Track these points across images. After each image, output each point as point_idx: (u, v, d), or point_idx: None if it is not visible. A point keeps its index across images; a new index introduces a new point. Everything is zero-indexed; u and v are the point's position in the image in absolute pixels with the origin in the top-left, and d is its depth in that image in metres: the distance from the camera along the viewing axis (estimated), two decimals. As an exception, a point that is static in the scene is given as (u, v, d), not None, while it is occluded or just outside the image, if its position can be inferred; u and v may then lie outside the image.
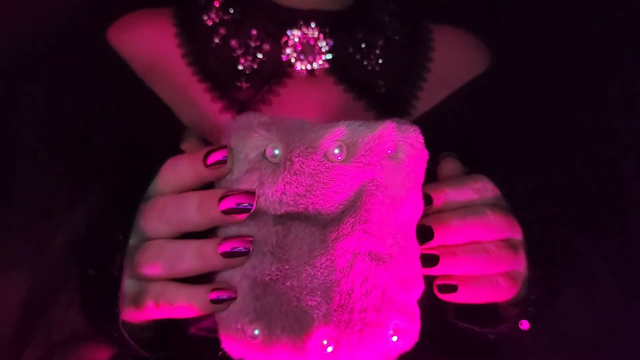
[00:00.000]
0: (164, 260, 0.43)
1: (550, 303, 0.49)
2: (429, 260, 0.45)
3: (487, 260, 0.46)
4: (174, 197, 0.44)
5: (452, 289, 0.46)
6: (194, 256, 0.43)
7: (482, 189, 0.48)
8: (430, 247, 0.46)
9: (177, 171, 0.45)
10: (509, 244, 0.47)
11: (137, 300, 0.45)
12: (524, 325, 0.48)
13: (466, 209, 0.47)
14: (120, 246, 0.44)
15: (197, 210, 0.43)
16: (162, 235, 0.44)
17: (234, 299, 0.42)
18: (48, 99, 0.57)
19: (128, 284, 0.45)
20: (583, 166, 0.60)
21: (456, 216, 0.46)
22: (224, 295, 0.43)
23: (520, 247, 0.48)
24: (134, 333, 0.46)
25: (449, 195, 0.47)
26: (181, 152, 0.46)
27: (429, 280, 0.46)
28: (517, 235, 0.48)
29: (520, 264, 0.48)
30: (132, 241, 0.45)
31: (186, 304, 0.43)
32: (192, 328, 0.50)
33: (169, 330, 0.49)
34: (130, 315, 0.45)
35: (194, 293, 0.43)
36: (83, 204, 0.49)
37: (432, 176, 0.46)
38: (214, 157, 0.43)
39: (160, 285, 0.44)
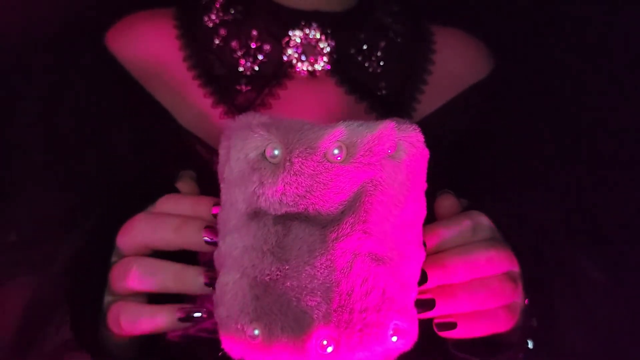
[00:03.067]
0: (134, 275, 0.43)
1: (550, 329, 0.49)
2: (424, 305, 0.44)
3: (487, 295, 0.45)
4: (152, 214, 0.45)
5: (451, 326, 0.45)
6: (172, 277, 0.43)
7: (478, 225, 0.47)
8: (429, 288, 0.44)
9: (177, 204, 0.45)
10: (509, 276, 0.47)
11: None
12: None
13: (463, 247, 0.46)
14: (101, 265, 0.45)
15: (174, 231, 0.43)
16: (134, 250, 0.45)
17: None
18: (45, 105, 0.57)
19: (107, 301, 0.46)
20: (584, 170, 0.59)
21: (453, 256, 0.45)
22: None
23: (519, 279, 0.48)
24: (117, 351, 0.47)
25: (442, 234, 0.46)
26: (176, 189, 0.47)
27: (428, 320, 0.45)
28: (516, 267, 0.48)
29: (519, 295, 0.48)
30: (113, 259, 0.46)
31: (150, 320, 0.43)
32: (193, 329, 0.50)
33: (151, 351, 0.49)
34: (110, 332, 0.46)
35: (158, 311, 0.43)
36: (80, 225, 0.50)
37: (432, 179, 0.44)
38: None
39: (121, 303, 0.44)
